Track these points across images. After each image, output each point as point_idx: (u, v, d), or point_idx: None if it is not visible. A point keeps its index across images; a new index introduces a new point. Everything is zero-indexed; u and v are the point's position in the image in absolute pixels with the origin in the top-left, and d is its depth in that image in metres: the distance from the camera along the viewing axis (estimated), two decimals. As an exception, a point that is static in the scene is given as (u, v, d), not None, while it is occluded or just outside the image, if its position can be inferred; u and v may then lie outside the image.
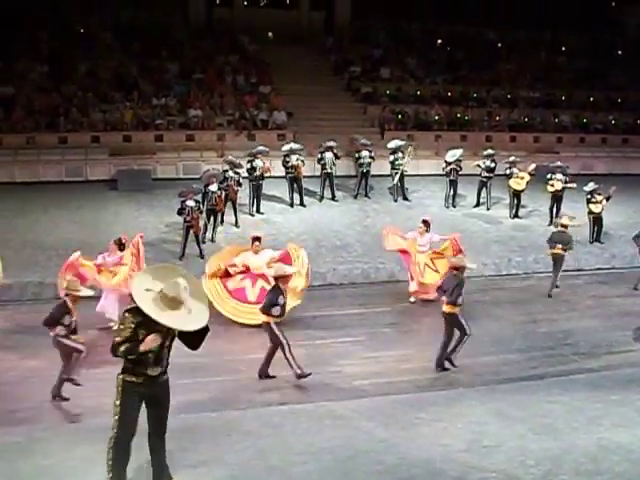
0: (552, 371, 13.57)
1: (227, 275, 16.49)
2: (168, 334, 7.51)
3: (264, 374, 13.14)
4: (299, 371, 12.80)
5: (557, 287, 18.62)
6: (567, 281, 18.97)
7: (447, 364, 13.70)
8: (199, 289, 7.91)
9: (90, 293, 13.31)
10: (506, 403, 10.74)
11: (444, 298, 13.54)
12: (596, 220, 22.40)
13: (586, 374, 13.23)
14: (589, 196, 22.12)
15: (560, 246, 18.38)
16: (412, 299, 17.75)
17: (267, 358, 13.14)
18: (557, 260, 18.54)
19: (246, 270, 16.41)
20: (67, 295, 12.45)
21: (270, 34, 33.47)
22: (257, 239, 16.61)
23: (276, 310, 12.86)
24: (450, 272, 14.04)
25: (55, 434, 9.51)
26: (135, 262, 16.01)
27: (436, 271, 17.49)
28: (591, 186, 22.11)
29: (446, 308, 13.54)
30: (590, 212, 22.25)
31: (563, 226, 18.71)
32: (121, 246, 16.10)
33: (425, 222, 18.22)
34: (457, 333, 13.58)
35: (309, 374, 12.78)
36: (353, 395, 12.15)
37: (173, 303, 7.26)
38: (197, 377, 12.84)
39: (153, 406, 7.78)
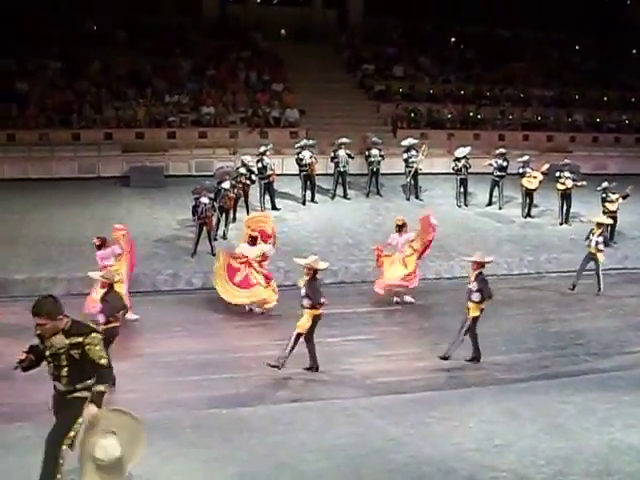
0: (564, 371, 13.54)
1: (232, 271, 16.69)
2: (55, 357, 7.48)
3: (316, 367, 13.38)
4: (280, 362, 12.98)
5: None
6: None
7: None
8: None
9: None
10: (517, 403, 10.73)
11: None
12: (611, 219, 22.30)
13: (598, 374, 13.19)
14: (604, 195, 22.03)
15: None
16: (396, 299, 17.71)
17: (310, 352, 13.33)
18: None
19: (245, 260, 16.73)
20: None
21: (283, 31, 33.48)
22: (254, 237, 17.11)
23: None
24: (479, 271, 13.93)
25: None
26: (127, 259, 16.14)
27: (405, 266, 17.53)
28: (605, 185, 22.02)
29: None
30: (606, 211, 22.16)
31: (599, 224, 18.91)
32: (100, 247, 16.15)
33: (402, 225, 18.00)
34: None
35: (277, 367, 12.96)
36: (364, 393, 12.17)
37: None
38: (208, 374, 12.89)
39: None
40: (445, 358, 13.80)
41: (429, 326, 16.37)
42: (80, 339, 7.41)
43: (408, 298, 17.68)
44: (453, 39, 35.34)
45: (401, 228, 17.85)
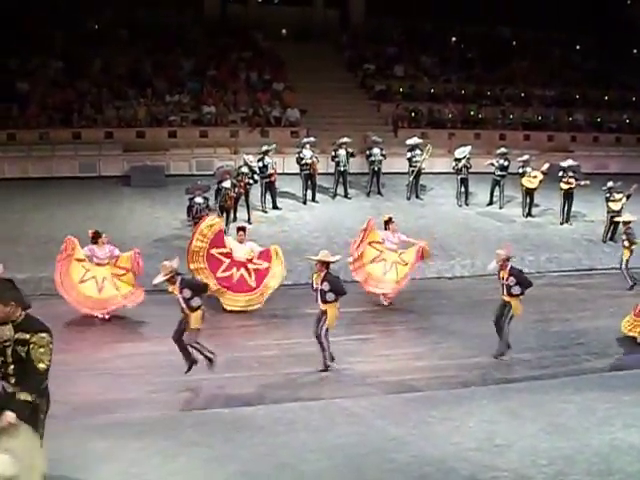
0: (564, 371, 13.55)
1: (215, 262, 16.61)
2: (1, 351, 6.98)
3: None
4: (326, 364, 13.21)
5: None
6: (580, 280, 18.92)
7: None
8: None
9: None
10: (518, 402, 10.74)
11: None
12: (614, 218, 22.34)
13: (598, 374, 13.21)
14: (608, 194, 22.07)
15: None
16: (385, 302, 17.60)
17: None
18: None
19: (230, 256, 16.62)
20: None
21: (284, 31, 33.47)
22: (242, 229, 17.25)
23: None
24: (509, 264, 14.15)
25: (66, 430, 9.54)
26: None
27: (405, 264, 17.26)
28: (611, 184, 22.08)
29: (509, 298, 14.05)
30: (609, 210, 22.20)
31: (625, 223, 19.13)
32: (94, 239, 16.18)
33: (388, 221, 17.82)
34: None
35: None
36: (365, 393, 12.17)
37: None
38: (209, 373, 12.88)
39: None
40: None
41: (430, 326, 16.36)
42: (27, 336, 6.93)
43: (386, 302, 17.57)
44: (454, 39, 35.34)
45: (387, 224, 17.69)
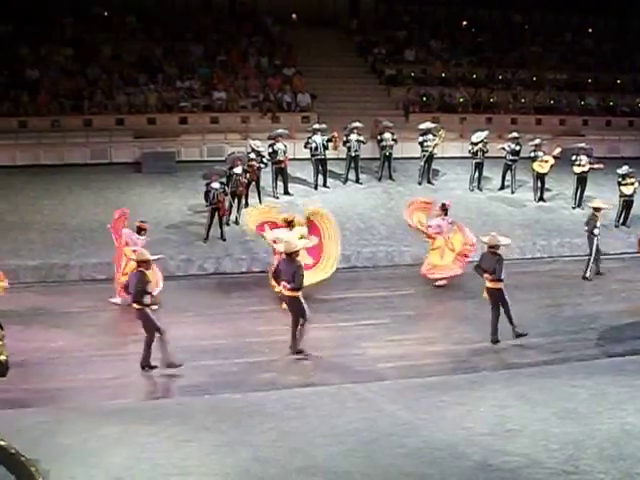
0: (576, 355, 13.53)
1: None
2: None
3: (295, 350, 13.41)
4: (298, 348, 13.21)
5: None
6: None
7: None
8: None
9: (156, 257, 13.32)
10: (529, 387, 10.72)
11: (487, 276, 14.00)
12: (626, 203, 22.25)
13: (610, 358, 13.18)
14: (620, 178, 21.97)
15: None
16: (438, 282, 17.80)
17: (293, 333, 13.34)
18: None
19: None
20: (139, 265, 12.61)
21: (294, 16, 33.32)
22: (289, 222, 16.93)
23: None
24: (487, 251, 14.39)
25: (79, 415, 9.60)
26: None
27: (452, 250, 17.71)
28: (625, 169, 21.96)
29: (491, 284, 14.06)
30: (621, 194, 22.11)
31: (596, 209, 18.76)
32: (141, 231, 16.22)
33: (443, 206, 18.16)
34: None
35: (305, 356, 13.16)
36: (376, 378, 12.18)
37: None
38: (220, 359, 12.95)
39: None
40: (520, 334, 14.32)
41: (441, 311, 16.38)
42: None
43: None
44: (465, 22, 35.09)
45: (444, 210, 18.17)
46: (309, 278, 15.23)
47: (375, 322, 15.22)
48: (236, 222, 20.76)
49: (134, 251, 14.18)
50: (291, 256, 13.36)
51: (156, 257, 13.41)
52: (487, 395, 10.42)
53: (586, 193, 23.54)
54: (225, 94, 27.79)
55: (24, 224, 19.69)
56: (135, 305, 12.66)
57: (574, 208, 23.47)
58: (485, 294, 14.29)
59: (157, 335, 12.61)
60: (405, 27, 33.89)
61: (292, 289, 13.21)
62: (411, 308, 16.28)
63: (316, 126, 24.09)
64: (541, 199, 24.15)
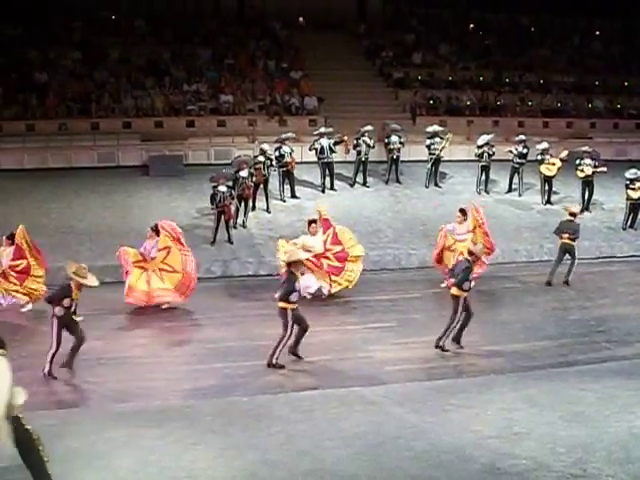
0: (584, 358, 13.49)
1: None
2: None
3: (293, 353, 13.30)
4: (274, 361, 12.87)
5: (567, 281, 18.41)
6: (599, 268, 18.82)
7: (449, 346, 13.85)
8: None
9: (95, 284, 12.90)
10: (537, 390, 10.72)
11: (452, 280, 13.77)
12: (633, 206, 22.20)
13: (618, 362, 13.14)
14: (628, 182, 21.93)
15: (566, 235, 18.21)
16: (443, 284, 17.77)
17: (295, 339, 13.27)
18: (567, 250, 18.31)
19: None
20: (71, 280, 12.50)
21: (301, 19, 33.37)
22: (313, 222, 17.09)
23: (294, 297, 12.92)
24: (464, 257, 14.27)
25: (86, 417, 9.62)
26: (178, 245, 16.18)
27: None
28: (633, 172, 21.91)
29: (453, 290, 13.74)
30: (628, 198, 22.08)
31: (572, 214, 18.48)
32: (157, 232, 16.20)
33: (462, 211, 18.07)
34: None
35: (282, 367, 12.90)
36: (384, 381, 12.17)
37: None
38: (228, 361, 12.95)
39: None
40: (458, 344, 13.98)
41: (449, 314, 16.34)
42: None
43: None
44: (472, 25, 35.09)
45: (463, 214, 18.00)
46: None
47: (382, 325, 15.20)
48: (243, 225, 20.78)
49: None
50: (290, 265, 13.28)
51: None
52: (494, 398, 10.42)
53: (594, 197, 23.50)
54: (232, 97, 27.85)
55: (31, 227, 19.57)
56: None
57: (582, 212, 23.39)
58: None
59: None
60: (412, 30, 33.91)
61: (279, 299, 13.06)
62: (418, 311, 16.26)
63: (322, 129, 24.10)
64: (548, 202, 24.10)
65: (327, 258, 16.77)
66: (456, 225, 17.93)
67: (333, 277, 16.68)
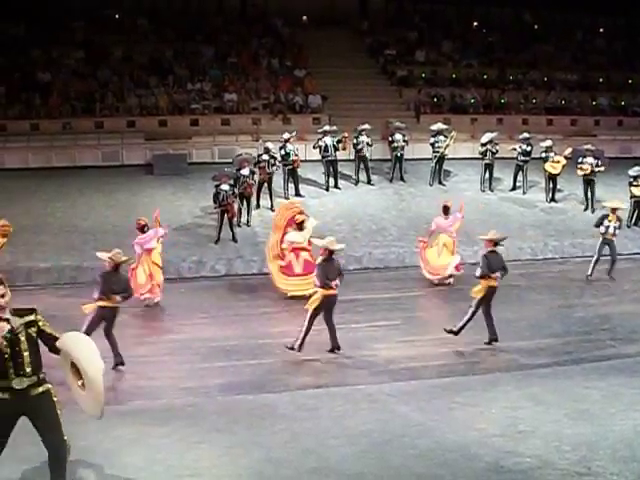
0: (588, 356, 13.46)
1: (281, 256, 17.05)
2: (14, 341, 6.76)
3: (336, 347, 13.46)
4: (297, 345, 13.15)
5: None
6: (604, 265, 18.76)
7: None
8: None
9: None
10: (542, 388, 10.71)
11: (498, 274, 13.82)
12: (637, 204, 22.18)
13: (623, 359, 13.11)
14: (632, 179, 21.91)
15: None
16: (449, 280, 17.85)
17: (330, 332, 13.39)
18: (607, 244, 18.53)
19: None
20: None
21: (304, 17, 33.35)
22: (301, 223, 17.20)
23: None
24: (489, 249, 14.17)
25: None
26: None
27: (452, 253, 17.93)
28: (636, 170, 21.90)
29: (493, 283, 13.84)
30: (632, 195, 22.06)
31: (613, 210, 18.60)
32: (143, 228, 16.27)
33: (445, 208, 18.15)
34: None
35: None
36: (389, 379, 12.17)
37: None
38: (233, 360, 12.96)
39: (35, 427, 7.10)
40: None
41: (453, 312, 16.32)
42: (32, 317, 6.87)
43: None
44: (475, 23, 35.05)
45: (447, 210, 18.12)
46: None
47: (387, 323, 15.21)
48: (247, 224, 20.80)
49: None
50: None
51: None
52: (499, 396, 10.42)
53: (597, 194, 23.47)
54: (236, 96, 27.83)
55: (36, 226, 19.76)
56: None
57: (585, 210, 23.39)
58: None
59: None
60: (415, 27, 33.87)
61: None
62: (423, 309, 16.30)
63: (326, 128, 24.10)
64: (553, 200, 24.09)
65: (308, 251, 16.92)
66: (441, 218, 18.10)
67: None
